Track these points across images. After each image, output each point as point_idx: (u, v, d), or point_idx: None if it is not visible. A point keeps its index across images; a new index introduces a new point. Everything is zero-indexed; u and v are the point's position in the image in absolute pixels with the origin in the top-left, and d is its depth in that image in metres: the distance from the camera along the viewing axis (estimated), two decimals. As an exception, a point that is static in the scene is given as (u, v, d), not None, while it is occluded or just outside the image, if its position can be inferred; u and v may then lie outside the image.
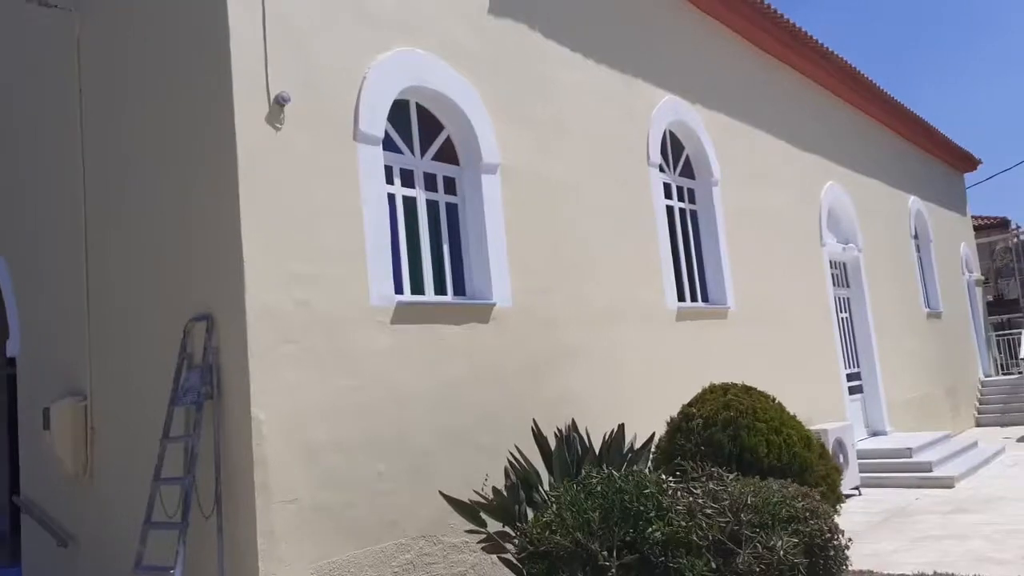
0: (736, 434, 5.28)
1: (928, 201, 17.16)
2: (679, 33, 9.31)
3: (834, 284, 12.46)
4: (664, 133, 9.00)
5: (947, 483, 9.96)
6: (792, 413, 5.85)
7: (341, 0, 5.46)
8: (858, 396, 12.56)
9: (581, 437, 5.09)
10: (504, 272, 6.30)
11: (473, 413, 5.77)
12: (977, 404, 17.74)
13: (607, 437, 5.08)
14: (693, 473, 4.20)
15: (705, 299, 9.21)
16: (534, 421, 5.31)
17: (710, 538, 3.75)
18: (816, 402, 10.72)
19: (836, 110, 13.21)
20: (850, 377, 12.41)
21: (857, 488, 10.01)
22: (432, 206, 6.15)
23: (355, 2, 5.56)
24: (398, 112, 5.98)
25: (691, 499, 3.79)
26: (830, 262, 12.35)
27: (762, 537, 3.79)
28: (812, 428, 9.84)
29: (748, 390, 5.79)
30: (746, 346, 9.28)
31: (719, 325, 8.95)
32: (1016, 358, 19.27)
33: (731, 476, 4.24)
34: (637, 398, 7.20)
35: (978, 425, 17.18)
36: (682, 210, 9.18)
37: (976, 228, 26.40)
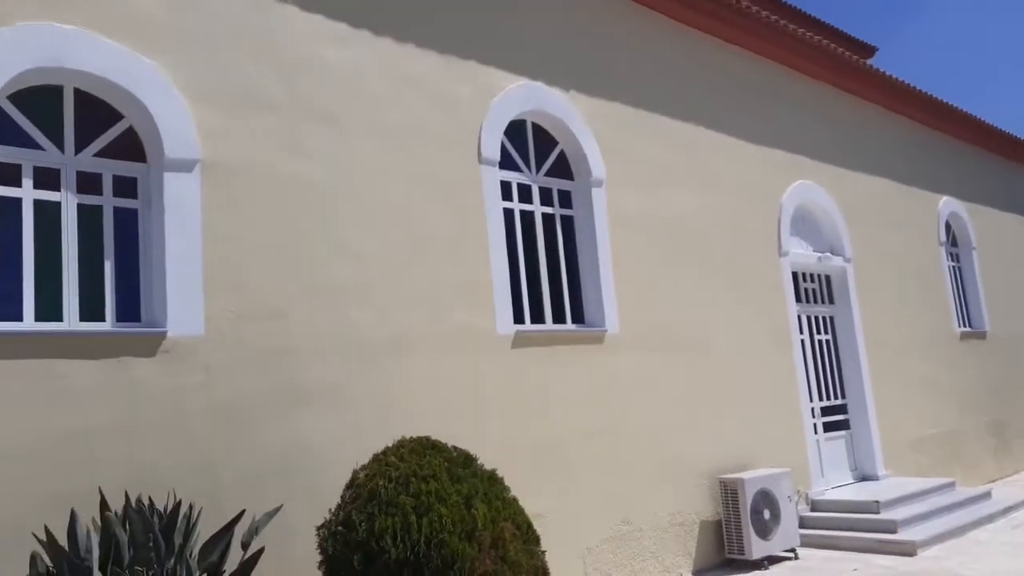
0: (372, 513, 3.86)
1: (972, 202, 14.70)
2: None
3: (806, 300, 10.55)
4: (525, 126, 7.61)
5: (908, 549, 7.96)
6: (504, 485, 4.30)
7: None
8: (841, 433, 10.53)
9: (111, 521, 3.75)
10: (194, 292, 5.10)
11: (112, 474, 4.58)
12: (1041, 440, 14.96)
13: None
14: None
15: (580, 321, 7.68)
16: (100, 490, 4.06)
17: None
18: (761, 444, 8.89)
19: (815, 96, 11.27)
20: (828, 411, 10.43)
21: (793, 550, 8.16)
22: (90, 214, 5.04)
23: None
24: (50, 101, 4.96)
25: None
26: (799, 275, 10.46)
27: None
28: (725, 477, 8.17)
29: (430, 448, 4.29)
30: (630, 378, 7.67)
31: (586, 352, 7.39)
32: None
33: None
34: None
35: (1039, 466, 14.46)
36: (549, 216, 7.71)
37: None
